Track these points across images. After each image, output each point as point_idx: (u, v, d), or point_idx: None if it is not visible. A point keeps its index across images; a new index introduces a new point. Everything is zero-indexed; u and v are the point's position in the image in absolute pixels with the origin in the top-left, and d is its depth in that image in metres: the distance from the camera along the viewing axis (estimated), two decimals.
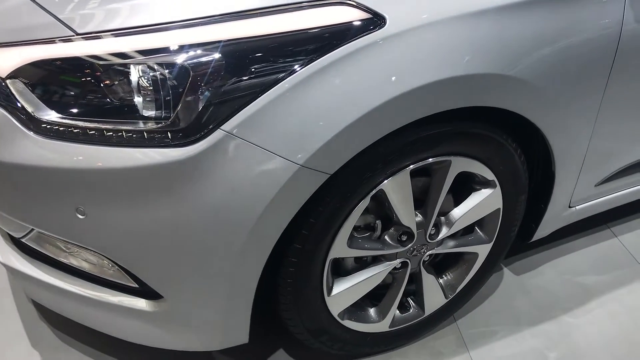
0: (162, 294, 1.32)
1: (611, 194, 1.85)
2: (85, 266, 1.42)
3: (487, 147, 1.42)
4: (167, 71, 1.13)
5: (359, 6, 1.18)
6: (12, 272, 1.53)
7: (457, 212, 1.52)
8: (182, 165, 1.15)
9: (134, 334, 1.44)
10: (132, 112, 1.16)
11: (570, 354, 1.71)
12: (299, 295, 1.40)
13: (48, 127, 1.20)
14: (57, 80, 1.19)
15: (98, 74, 1.16)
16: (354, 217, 1.34)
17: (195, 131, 1.14)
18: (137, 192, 1.19)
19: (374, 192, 1.33)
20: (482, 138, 1.40)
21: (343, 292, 1.46)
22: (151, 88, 1.14)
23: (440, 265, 1.67)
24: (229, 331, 1.40)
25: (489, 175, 1.48)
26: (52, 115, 1.20)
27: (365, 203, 1.33)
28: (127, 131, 1.16)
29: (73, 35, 1.18)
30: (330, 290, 1.44)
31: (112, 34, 1.16)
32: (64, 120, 1.19)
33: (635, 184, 1.88)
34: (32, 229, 1.40)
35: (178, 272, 1.28)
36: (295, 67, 1.15)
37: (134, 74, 1.15)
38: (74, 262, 1.43)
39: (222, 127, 1.14)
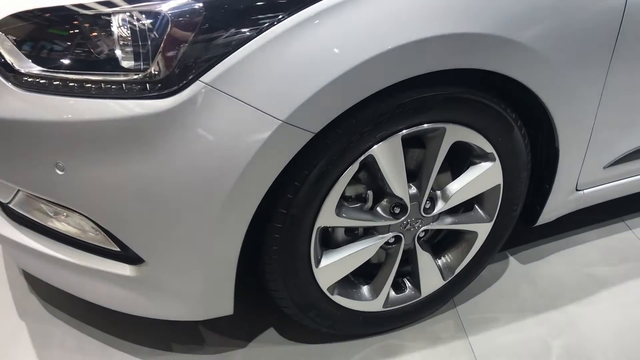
0: (144, 257, 1.29)
1: (622, 179, 1.77)
2: (70, 231, 1.39)
3: (484, 115, 1.37)
4: (148, 21, 1.11)
5: None
6: (0, 239, 1.51)
7: (454, 186, 1.46)
8: (159, 117, 1.13)
9: (118, 301, 1.40)
10: (111, 64, 1.14)
11: (576, 343, 1.62)
12: (286, 265, 1.35)
13: (29, 79, 1.18)
14: (40, 32, 1.18)
15: (80, 24, 1.14)
16: (342, 183, 1.29)
17: (173, 83, 1.12)
18: (115, 146, 1.16)
19: (363, 157, 1.28)
20: (478, 105, 1.35)
21: (332, 264, 1.41)
22: (130, 38, 1.12)
23: (438, 245, 1.61)
24: (212, 300, 1.36)
25: (487, 147, 1.42)
26: (33, 68, 1.18)
27: (353, 169, 1.29)
28: (105, 82, 1.14)
29: None
30: (318, 262, 1.39)
31: None
32: (46, 73, 1.17)
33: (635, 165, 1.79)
34: (18, 191, 1.38)
35: (157, 233, 1.25)
36: (276, 19, 1.11)
37: (115, 24, 1.13)
38: (59, 226, 1.40)
39: (201, 79, 1.11)
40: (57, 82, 1.17)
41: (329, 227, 1.38)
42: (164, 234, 1.24)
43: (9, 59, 1.19)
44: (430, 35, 1.17)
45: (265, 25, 1.11)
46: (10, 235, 1.48)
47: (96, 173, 1.19)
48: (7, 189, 1.40)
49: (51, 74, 1.17)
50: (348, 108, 1.18)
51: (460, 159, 1.47)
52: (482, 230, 1.57)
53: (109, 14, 1.13)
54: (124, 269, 1.33)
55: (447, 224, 1.52)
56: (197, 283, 1.32)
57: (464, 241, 1.59)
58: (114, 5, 1.13)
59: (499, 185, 1.51)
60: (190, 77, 1.11)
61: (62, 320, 1.61)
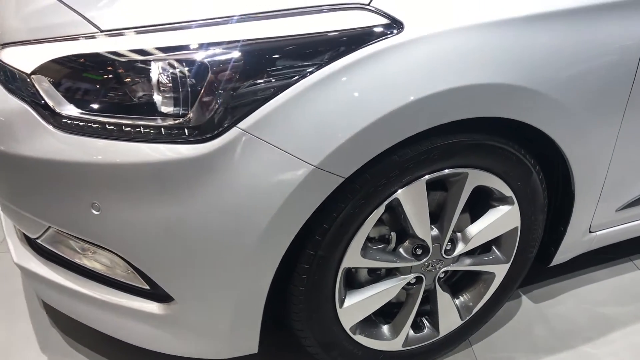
0: (173, 296, 1.32)
1: (633, 221, 1.81)
2: (98, 267, 1.42)
3: (505, 161, 1.41)
4: (186, 69, 1.15)
5: (378, 11, 1.20)
6: (26, 273, 1.54)
7: (473, 228, 1.49)
8: (196, 162, 1.16)
9: (144, 338, 1.42)
10: (150, 109, 1.18)
11: None
12: (311, 305, 1.38)
13: (68, 122, 1.22)
14: (80, 77, 1.22)
15: (119, 70, 1.18)
16: (368, 226, 1.33)
17: (211, 128, 1.15)
18: (151, 188, 1.20)
19: (388, 200, 1.32)
20: (499, 151, 1.39)
21: (355, 304, 1.43)
22: (170, 85, 1.16)
23: (456, 285, 1.64)
24: (239, 339, 1.38)
25: (507, 191, 1.46)
26: (72, 111, 1.22)
27: (379, 212, 1.32)
28: (145, 127, 1.18)
29: (97, 33, 1.21)
30: (342, 302, 1.42)
31: (134, 31, 1.19)
32: (84, 116, 1.21)
33: None
34: (49, 227, 1.40)
35: (188, 273, 1.28)
36: (313, 69, 1.16)
37: (154, 71, 1.17)
38: (87, 263, 1.43)
39: (238, 125, 1.15)
40: (96, 125, 1.20)
41: (353, 268, 1.41)
42: (195, 274, 1.27)
43: (48, 101, 1.23)
44: (457, 85, 1.22)
45: (301, 74, 1.15)
46: (37, 270, 1.51)
47: (132, 214, 1.22)
48: (38, 225, 1.42)
49: (89, 116, 1.21)
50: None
51: (478, 201, 1.50)
52: (500, 271, 1.60)
53: (148, 61, 1.17)
54: (153, 307, 1.36)
55: (466, 265, 1.55)
56: (225, 322, 1.34)
57: (481, 281, 1.62)
58: (153, 52, 1.17)
59: (517, 227, 1.54)
60: (227, 124, 1.15)
61: (84, 355, 1.62)
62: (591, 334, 1.82)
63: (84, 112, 1.21)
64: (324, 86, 1.16)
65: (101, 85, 1.20)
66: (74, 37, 1.22)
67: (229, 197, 1.18)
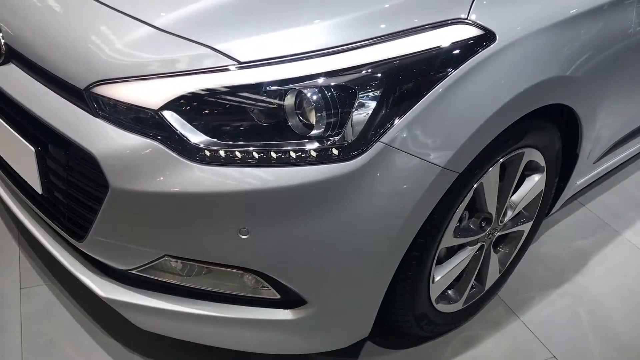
0: (308, 299, 1.41)
1: (598, 169, 2.21)
2: (207, 286, 1.46)
3: (546, 138, 1.68)
4: (336, 93, 1.23)
5: (474, 24, 1.36)
6: (120, 305, 1.51)
7: (516, 197, 1.75)
8: (346, 179, 1.26)
9: (270, 344, 1.51)
10: (297, 133, 1.25)
11: (593, 305, 2.03)
12: (415, 285, 1.55)
13: (208, 153, 1.24)
14: (222, 109, 1.24)
15: (266, 100, 1.23)
16: (461, 209, 1.52)
17: (358, 146, 1.26)
18: (303, 207, 1.28)
19: (476, 185, 1.52)
20: (543, 130, 1.65)
21: (442, 278, 1.64)
22: (323, 109, 1.23)
23: (495, 245, 1.90)
24: (358, 328, 1.52)
25: (542, 162, 1.74)
26: (212, 143, 1.24)
27: (469, 196, 1.52)
28: (295, 151, 1.24)
29: (234, 64, 1.23)
30: (433, 278, 1.61)
31: (275, 62, 1.24)
32: (225, 148, 1.24)
33: (614, 158, 2.24)
34: (159, 258, 1.40)
35: (326, 278, 1.38)
36: (436, 81, 1.30)
37: (302, 98, 1.23)
38: (196, 284, 1.46)
39: (381, 140, 1.27)
40: (238, 154, 1.24)
41: (444, 247, 1.61)
42: (333, 278, 1.38)
43: (185, 135, 1.24)
44: (538, 81, 1.44)
45: (428, 87, 1.29)
46: (135, 301, 1.50)
47: (281, 233, 1.29)
48: (143, 256, 1.42)
49: (231, 147, 1.24)
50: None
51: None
52: (527, 228, 1.89)
53: (295, 89, 1.23)
54: (284, 314, 1.44)
55: (509, 228, 1.81)
56: (350, 316, 1.47)
57: (512, 239, 1.90)
58: (299, 81, 1.23)
59: (542, 191, 1.83)
60: (372, 140, 1.26)
61: None
62: (576, 266, 2.21)
63: (225, 143, 1.24)
64: (444, 96, 1.31)
65: (244, 116, 1.24)
66: (210, 70, 1.23)
67: (372, 206, 1.30)
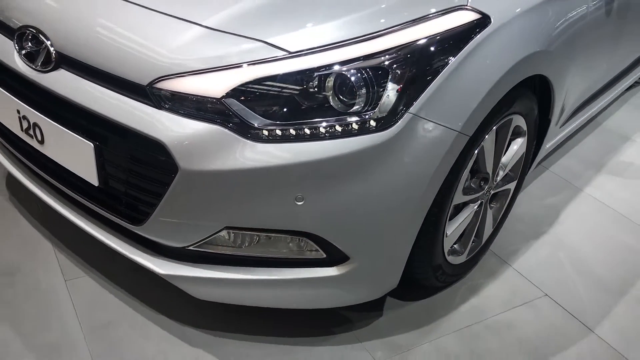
0: (350, 256, 1.62)
1: (563, 132, 2.52)
2: (259, 254, 1.65)
3: (529, 105, 1.95)
4: (372, 73, 1.45)
5: (473, 9, 1.61)
6: (179, 280, 1.68)
7: (505, 158, 2.03)
8: (382, 147, 1.49)
9: (319, 299, 1.71)
10: (340, 110, 1.46)
11: (570, 250, 2.34)
12: (433, 239, 1.79)
13: (265, 133, 1.44)
14: (277, 94, 1.44)
15: (313, 83, 1.44)
16: (467, 170, 1.78)
17: (392, 118, 1.48)
18: (347, 174, 1.49)
19: (479, 148, 1.77)
20: (526, 98, 1.92)
21: (452, 232, 1.89)
22: (361, 88, 1.45)
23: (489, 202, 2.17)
24: (390, 279, 1.75)
25: (524, 127, 2.02)
26: (269, 124, 1.44)
27: (474, 157, 1.77)
28: (340, 125, 1.46)
29: (286, 55, 1.43)
30: (446, 232, 1.86)
31: (320, 50, 1.44)
32: (281, 126, 1.44)
33: (574, 123, 2.56)
34: (217, 232, 1.58)
35: (364, 235, 1.60)
36: (449, 58, 1.54)
37: (343, 79, 1.45)
38: (251, 253, 1.65)
39: (409, 111, 1.50)
40: (292, 131, 1.45)
41: (455, 204, 1.85)
42: (370, 235, 1.61)
43: (245, 119, 1.43)
44: (527, 54, 1.71)
45: (443, 63, 1.53)
46: (193, 274, 1.67)
47: (330, 197, 1.51)
48: (202, 231, 1.59)
49: (286, 126, 1.45)
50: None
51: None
52: (512, 186, 2.17)
53: (339, 72, 1.44)
54: (330, 271, 1.65)
55: (500, 186, 2.09)
56: (384, 268, 1.70)
57: (502, 196, 2.17)
58: (341, 64, 1.45)
59: (524, 152, 2.11)
60: (402, 111, 1.49)
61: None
62: (550, 220, 2.52)
63: (279, 122, 1.45)
64: (457, 71, 1.55)
65: (296, 98, 1.44)
66: (264, 61, 1.43)
67: (404, 168, 1.54)
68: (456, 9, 1.60)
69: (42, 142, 1.74)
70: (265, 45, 1.45)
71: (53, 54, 1.63)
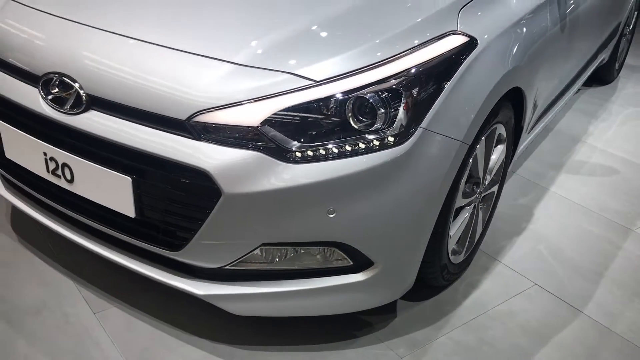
0: (374, 260, 1.79)
1: (529, 138, 2.79)
2: (296, 265, 1.79)
3: (508, 114, 2.19)
4: (389, 95, 1.64)
5: (462, 33, 1.83)
6: (217, 299, 1.80)
7: (491, 164, 2.25)
8: (399, 160, 1.67)
9: (346, 304, 1.86)
10: (360, 129, 1.63)
11: (547, 242, 2.59)
12: (441, 240, 1.98)
13: (299, 155, 1.60)
14: (305, 119, 1.60)
15: (336, 107, 1.61)
16: (465, 176, 1.98)
17: (406, 133, 1.67)
18: (370, 186, 1.66)
19: (473, 155, 1.99)
20: (507, 108, 2.16)
21: (454, 233, 2.08)
22: (381, 107, 1.63)
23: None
24: (407, 280, 1.92)
25: (504, 134, 2.25)
26: (301, 146, 1.60)
27: (470, 165, 1.98)
28: (363, 143, 1.63)
29: (313, 83, 1.60)
30: (449, 234, 2.06)
31: (342, 77, 1.62)
32: (312, 147, 1.61)
33: (537, 128, 2.84)
34: (254, 249, 1.72)
35: (389, 240, 1.78)
36: (449, 76, 1.75)
37: (361, 101, 1.63)
38: (282, 267, 1.79)
39: (420, 126, 1.69)
40: (322, 151, 1.61)
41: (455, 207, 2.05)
42: (392, 240, 1.78)
43: (280, 143, 1.59)
44: (511, 67, 1.95)
45: (443, 81, 1.74)
46: (230, 292, 1.80)
47: (357, 208, 1.67)
48: (235, 252, 1.73)
49: (316, 147, 1.61)
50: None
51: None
52: (496, 189, 2.40)
53: (359, 95, 1.62)
54: (357, 277, 1.81)
55: (487, 190, 2.31)
56: (403, 270, 1.87)
57: (488, 199, 2.39)
58: (360, 89, 1.62)
59: (504, 159, 2.35)
60: (415, 127, 1.68)
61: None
62: (526, 217, 2.76)
63: (311, 145, 1.61)
64: (456, 87, 1.76)
65: (323, 121, 1.61)
66: (294, 90, 1.59)
67: (419, 177, 1.72)
68: (449, 34, 1.81)
69: (71, 181, 1.83)
70: (293, 76, 1.61)
71: (84, 97, 1.73)
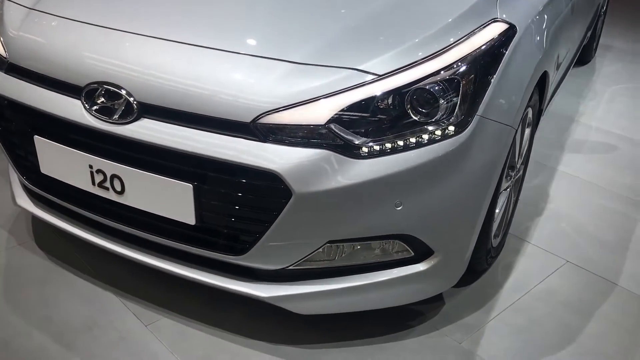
0: (435, 249, 1.81)
1: (542, 121, 2.85)
2: (358, 261, 1.80)
3: (536, 97, 2.24)
4: (447, 85, 1.65)
5: (504, 21, 1.86)
6: (283, 300, 1.79)
7: (521, 147, 2.30)
8: (461, 148, 1.69)
9: (407, 295, 1.88)
10: (421, 121, 1.64)
11: (569, 220, 2.66)
12: (488, 224, 2.02)
13: (365, 150, 1.60)
14: (370, 113, 1.60)
15: (397, 99, 1.61)
16: (509, 158, 2.02)
17: (465, 122, 1.69)
18: (435, 176, 1.68)
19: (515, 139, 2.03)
20: (535, 93, 2.20)
21: (496, 216, 2.13)
22: (436, 100, 1.64)
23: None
24: (461, 266, 1.95)
25: (531, 118, 2.30)
26: (366, 140, 1.60)
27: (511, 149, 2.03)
28: (426, 135, 1.64)
29: (377, 77, 1.60)
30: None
31: (403, 70, 1.62)
32: (378, 142, 1.61)
33: (548, 110, 2.91)
34: (319, 247, 1.72)
35: (448, 228, 1.80)
36: (497, 64, 1.78)
37: (419, 93, 1.64)
38: (344, 263, 1.79)
39: (477, 113, 1.72)
40: (388, 145, 1.62)
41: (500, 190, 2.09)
42: (451, 228, 1.80)
43: (348, 139, 1.58)
44: (544, 50, 1.99)
45: (494, 69, 1.76)
46: (294, 292, 1.79)
47: (422, 199, 1.69)
48: (301, 251, 1.72)
49: (381, 141, 1.61)
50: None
51: None
52: (522, 172, 2.45)
53: (422, 87, 1.63)
54: (418, 267, 1.82)
55: (518, 173, 2.36)
56: (459, 257, 1.90)
57: (517, 182, 2.44)
58: (423, 80, 1.63)
59: (529, 141, 2.40)
60: (472, 115, 1.71)
61: None
62: (543, 197, 2.83)
63: (376, 139, 1.61)
64: (503, 74, 1.79)
65: (386, 114, 1.61)
66: (359, 85, 1.59)
67: (477, 164, 1.75)
68: (491, 23, 1.84)
69: (121, 192, 1.78)
70: (357, 72, 1.61)
71: (135, 105, 1.69)
